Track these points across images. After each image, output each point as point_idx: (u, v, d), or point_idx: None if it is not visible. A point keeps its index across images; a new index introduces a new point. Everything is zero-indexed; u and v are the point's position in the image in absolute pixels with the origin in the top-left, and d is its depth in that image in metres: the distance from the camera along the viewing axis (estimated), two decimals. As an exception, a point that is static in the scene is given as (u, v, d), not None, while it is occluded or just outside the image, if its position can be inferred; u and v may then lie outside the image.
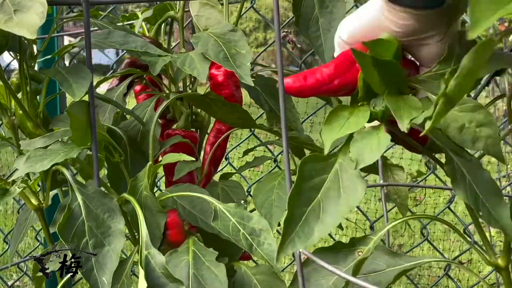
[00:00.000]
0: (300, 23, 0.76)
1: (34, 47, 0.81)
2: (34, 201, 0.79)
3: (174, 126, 0.92)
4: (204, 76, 0.76)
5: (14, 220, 3.58)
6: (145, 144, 0.81)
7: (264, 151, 2.35)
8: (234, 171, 1.04)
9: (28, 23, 0.57)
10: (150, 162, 0.75)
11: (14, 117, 0.78)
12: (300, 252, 0.57)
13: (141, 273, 0.62)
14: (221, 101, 0.84)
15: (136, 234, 0.77)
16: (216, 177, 0.99)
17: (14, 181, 0.75)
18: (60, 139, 0.73)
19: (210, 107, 0.86)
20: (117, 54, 1.78)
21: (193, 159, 0.77)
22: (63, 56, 0.92)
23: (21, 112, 0.77)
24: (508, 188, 2.22)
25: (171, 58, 0.80)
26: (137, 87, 0.96)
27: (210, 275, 0.69)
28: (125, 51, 1.06)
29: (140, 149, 0.81)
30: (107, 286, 0.63)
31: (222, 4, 0.93)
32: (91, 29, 0.75)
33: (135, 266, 0.89)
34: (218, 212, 0.74)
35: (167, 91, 0.93)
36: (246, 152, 1.00)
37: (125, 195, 0.71)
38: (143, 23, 1.03)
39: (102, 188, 0.70)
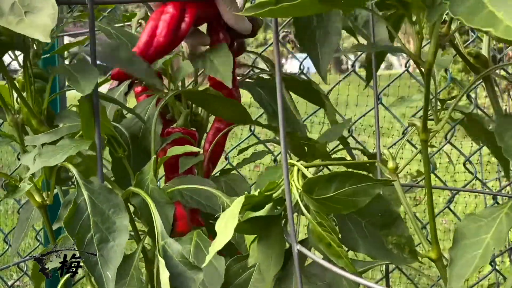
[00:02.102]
0: (297, 30, 0.77)
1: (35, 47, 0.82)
2: (38, 198, 0.80)
3: (174, 125, 0.92)
4: (229, 79, 0.76)
5: (14, 220, 3.58)
6: (146, 141, 0.82)
7: (264, 150, 2.35)
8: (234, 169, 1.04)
9: (40, 25, 0.57)
10: (154, 156, 0.75)
11: (18, 115, 0.79)
12: (298, 250, 0.57)
13: (162, 262, 0.62)
14: (220, 97, 0.84)
15: (141, 229, 0.78)
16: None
17: (21, 179, 0.75)
18: (66, 135, 0.74)
19: (210, 104, 0.87)
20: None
21: (199, 149, 0.77)
22: (63, 54, 0.92)
23: (26, 109, 0.77)
24: (508, 188, 2.22)
25: (189, 57, 0.80)
26: (138, 88, 0.96)
27: (209, 267, 0.69)
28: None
29: (141, 146, 0.82)
30: (111, 281, 0.64)
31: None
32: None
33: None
34: (225, 207, 0.75)
35: (167, 91, 0.93)
36: (241, 151, 1.00)
37: (133, 188, 0.72)
38: (143, 22, 1.03)
39: (107, 184, 0.71)
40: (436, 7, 0.50)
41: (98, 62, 0.70)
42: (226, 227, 0.58)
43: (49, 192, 0.81)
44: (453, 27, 0.67)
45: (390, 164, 0.71)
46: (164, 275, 0.61)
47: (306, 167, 0.61)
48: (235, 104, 0.86)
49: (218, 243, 0.58)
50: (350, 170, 0.56)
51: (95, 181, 0.71)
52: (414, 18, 0.56)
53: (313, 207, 0.58)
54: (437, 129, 0.65)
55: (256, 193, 0.61)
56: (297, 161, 0.71)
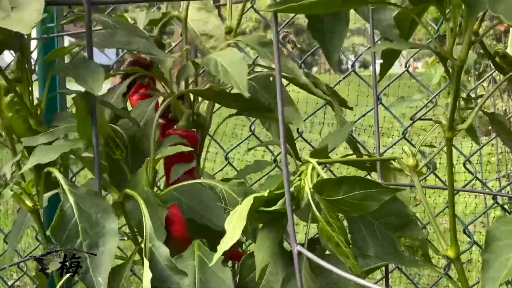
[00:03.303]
0: (310, 25, 0.77)
1: (32, 47, 0.81)
2: (29, 203, 0.79)
3: (175, 126, 0.92)
4: (245, 90, 0.71)
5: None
6: (143, 143, 0.81)
7: (264, 150, 2.35)
8: (234, 171, 1.04)
9: (26, 20, 0.57)
10: (148, 158, 0.75)
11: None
12: (297, 251, 0.57)
13: (146, 263, 0.63)
14: (224, 92, 0.85)
15: (136, 232, 0.78)
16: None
17: (7, 184, 0.75)
18: (62, 136, 0.74)
19: (218, 98, 0.87)
20: (117, 54, 1.78)
21: (190, 149, 0.77)
22: (63, 56, 0.92)
23: (10, 114, 0.76)
24: (508, 188, 2.22)
25: (203, 61, 0.78)
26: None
27: (216, 280, 0.69)
28: (125, 51, 1.06)
29: (139, 148, 0.81)
30: (102, 286, 0.63)
31: (219, 6, 0.93)
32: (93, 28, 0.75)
33: (135, 266, 0.90)
34: (226, 196, 0.75)
35: (169, 91, 0.93)
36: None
37: (127, 190, 0.72)
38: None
39: (100, 189, 0.71)
40: (478, 4, 0.50)
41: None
42: (234, 228, 0.58)
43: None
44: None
45: (410, 161, 0.70)
46: (147, 276, 0.61)
47: (320, 164, 0.61)
48: (240, 97, 0.86)
49: (225, 244, 0.58)
50: (357, 175, 0.57)
51: (89, 184, 0.70)
52: (448, 15, 0.56)
53: (324, 207, 0.58)
54: (463, 128, 0.64)
55: (266, 193, 0.61)
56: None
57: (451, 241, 0.65)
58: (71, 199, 0.67)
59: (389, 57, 0.84)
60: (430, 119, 1.29)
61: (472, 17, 0.52)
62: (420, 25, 0.65)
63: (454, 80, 0.58)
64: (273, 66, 0.93)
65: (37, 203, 0.80)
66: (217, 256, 0.59)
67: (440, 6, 0.55)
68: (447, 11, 0.56)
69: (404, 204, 0.66)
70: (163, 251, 0.65)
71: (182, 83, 0.97)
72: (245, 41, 0.83)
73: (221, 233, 0.72)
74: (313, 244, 0.68)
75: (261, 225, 0.67)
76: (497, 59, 0.78)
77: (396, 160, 0.73)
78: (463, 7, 0.53)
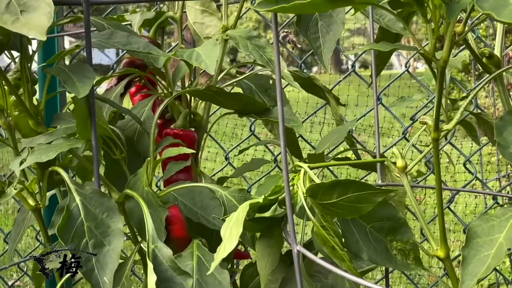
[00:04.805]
0: (300, 24, 0.77)
1: (29, 47, 0.81)
2: (31, 202, 0.79)
3: (173, 126, 0.92)
4: (212, 68, 0.76)
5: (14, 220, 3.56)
6: (141, 144, 0.82)
7: (265, 151, 2.35)
8: (234, 171, 1.04)
9: (35, 23, 0.57)
10: (148, 158, 0.75)
11: (10, 118, 0.78)
12: (298, 251, 0.57)
13: (150, 266, 0.63)
14: (224, 92, 0.85)
15: (136, 232, 0.78)
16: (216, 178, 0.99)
17: (10, 182, 0.75)
18: (62, 136, 0.73)
19: (215, 98, 0.87)
20: (118, 54, 1.78)
21: (191, 151, 0.78)
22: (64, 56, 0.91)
23: (16, 112, 0.76)
24: (508, 188, 2.22)
25: (177, 52, 0.80)
26: (132, 89, 0.96)
27: (213, 282, 0.69)
28: (125, 51, 1.06)
29: (136, 149, 0.82)
30: (108, 286, 0.63)
31: (219, 6, 0.93)
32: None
33: (135, 265, 0.89)
34: (225, 202, 0.75)
35: (165, 91, 0.93)
36: (241, 151, 1.00)
37: (128, 190, 0.72)
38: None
39: (102, 188, 0.71)
40: (456, 4, 0.50)
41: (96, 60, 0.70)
42: (231, 235, 0.58)
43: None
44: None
45: (399, 163, 0.70)
46: (151, 278, 0.61)
47: (312, 168, 0.61)
48: (240, 96, 0.86)
49: (223, 251, 0.58)
50: (350, 178, 0.57)
51: (89, 184, 0.70)
52: (428, 16, 0.56)
53: (318, 210, 0.58)
54: (449, 128, 0.65)
55: (261, 199, 0.61)
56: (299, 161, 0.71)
57: (441, 241, 0.66)
58: (77, 199, 0.67)
59: (382, 57, 0.84)
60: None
61: (451, 17, 0.52)
62: (407, 30, 0.65)
63: (438, 81, 0.58)
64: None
65: (39, 202, 0.80)
66: (215, 264, 0.59)
67: (421, 8, 0.55)
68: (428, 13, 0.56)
69: (396, 208, 0.66)
70: (165, 252, 0.65)
71: (179, 83, 0.97)
72: (233, 34, 0.83)
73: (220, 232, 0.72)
74: (307, 248, 0.69)
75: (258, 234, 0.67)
76: (484, 60, 0.78)
77: (386, 162, 0.74)
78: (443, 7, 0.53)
